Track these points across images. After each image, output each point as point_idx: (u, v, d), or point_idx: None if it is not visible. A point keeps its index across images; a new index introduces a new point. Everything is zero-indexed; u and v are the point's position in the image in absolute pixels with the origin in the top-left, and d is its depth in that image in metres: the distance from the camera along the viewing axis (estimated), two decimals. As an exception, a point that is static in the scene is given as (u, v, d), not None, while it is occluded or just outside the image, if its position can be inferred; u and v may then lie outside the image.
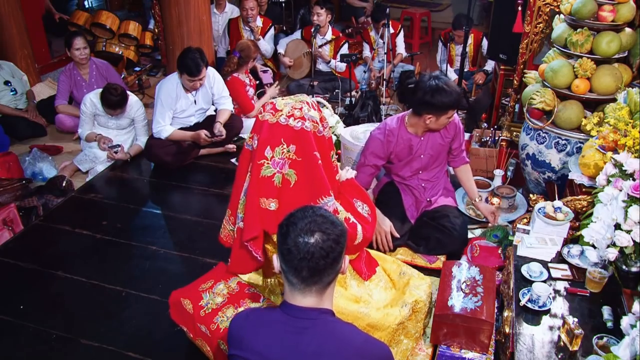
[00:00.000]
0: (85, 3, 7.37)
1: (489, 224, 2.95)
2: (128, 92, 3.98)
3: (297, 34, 5.44)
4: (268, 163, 1.98)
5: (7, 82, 4.50)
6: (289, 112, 1.98)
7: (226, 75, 4.33)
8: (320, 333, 1.39)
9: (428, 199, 2.96)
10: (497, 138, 3.72)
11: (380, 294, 2.33)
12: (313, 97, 4.25)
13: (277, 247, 1.44)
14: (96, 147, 3.91)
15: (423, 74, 2.68)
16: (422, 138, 2.78)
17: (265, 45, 5.35)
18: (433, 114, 2.62)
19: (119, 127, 3.98)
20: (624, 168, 2.05)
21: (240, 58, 4.33)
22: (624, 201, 1.96)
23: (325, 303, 1.45)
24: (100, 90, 3.85)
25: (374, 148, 2.77)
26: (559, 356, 1.81)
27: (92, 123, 3.95)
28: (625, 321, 1.75)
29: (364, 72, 5.29)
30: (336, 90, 4.97)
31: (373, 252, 2.55)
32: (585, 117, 2.71)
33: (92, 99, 3.88)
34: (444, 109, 2.59)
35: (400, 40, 5.59)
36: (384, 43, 5.11)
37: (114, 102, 3.78)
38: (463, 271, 2.35)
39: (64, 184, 3.67)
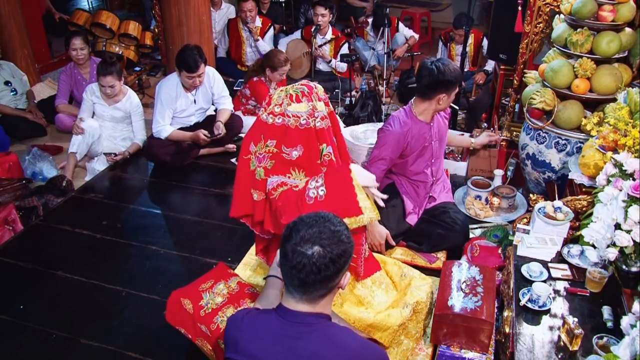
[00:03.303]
0: (86, 3, 7.38)
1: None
2: (127, 88, 3.99)
3: (297, 34, 5.44)
4: (252, 157, 2.08)
5: (7, 82, 4.50)
6: (270, 109, 2.05)
7: (250, 75, 4.34)
8: (316, 338, 1.38)
9: (431, 194, 2.98)
10: (497, 138, 3.72)
11: (382, 296, 2.33)
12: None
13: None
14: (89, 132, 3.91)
15: (423, 60, 2.72)
16: (431, 124, 2.81)
17: (265, 45, 5.35)
18: (445, 93, 2.68)
19: (113, 120, 3.97)
20: (624, 168, 2.05)
21: (262, 60, 4.29)
22: (624, 201, 1.96)
23: (319, 309, 1.43)
24: None
25: (392, 141, 2.75)
26: (559, 356, 1.81)
27: (91, 113, 3.95)
28: (625, 321, 1.75)
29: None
30: (336, 90, 4.97)
31: (374, 254, 2.56)
32: (585, 117, 2.71)
33: (92, 87, 3.93)
34: (454, 84, 2.68)
35: (401, 33, 5.67)
36: (384, 43, 5.11)
37: (105, 70, 3.78)
38: (463, 271, 2.35)
39: (64, 184, 3.67)
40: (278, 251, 1.46)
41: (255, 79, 4.29)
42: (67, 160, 3.88)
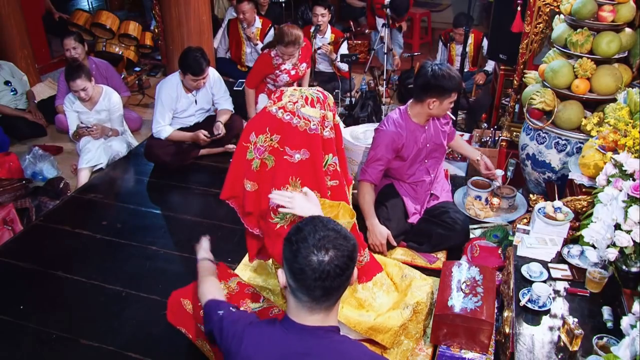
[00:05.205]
0: (86, 3, 7.39)
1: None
2: (102, 86, 3.95)
3: (296, 34, 5.43)
4: (251, 147, 2.07)
5: (7, 82, 4.50)
6: (282, 104, 2.03)
7: (265, 47, 4.24)
8: (325, 353, 1.34)
9: (432, 192, 2.98)
10: (497, 138, 3.72)
11: (383, 298, 2.33)
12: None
13: (283, 261, 1.36)
14: (90, 143, 3.88)
15: (425, 61, 2.71)
16: (426, 127, 2.80)
17: None
18: (437, 98, 2.64)
19: (101, 122, 3.95)
20: (624, 168, 2.05)
21: (277, 31, 4.12)
22: (624, 201, 1.96)
23: (331, 320, 1.39)
24: None
25: (386, 141, 2.75)
26: (559, 356, 1.81)
27: (78, 122, 3.92)
28: (625, 321, 1.75)
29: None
30: (336, 91, 4.97)
31: (375, 255, 2.55)
32: (585, 117, 2.71)
33: (69, 97, 3.87)
34: (448, 92, 2.62)
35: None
36: (383, 43, 5.11)
37: (71, 71, 3.68)
38: (463, 271, 2.35)
39: (61, 186, 3.67)
40: (280, 272, 1.37)
41: (266, 50, 4.18)
42: (79, 174, 3.81)
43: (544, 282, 2.10)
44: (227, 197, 2.21)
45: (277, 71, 4.18)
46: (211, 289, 1.87)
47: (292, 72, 4.24)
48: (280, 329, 1.37)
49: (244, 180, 2.11)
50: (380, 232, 2.74)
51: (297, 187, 2.05)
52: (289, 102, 2.02)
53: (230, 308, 1.60)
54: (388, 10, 4.84)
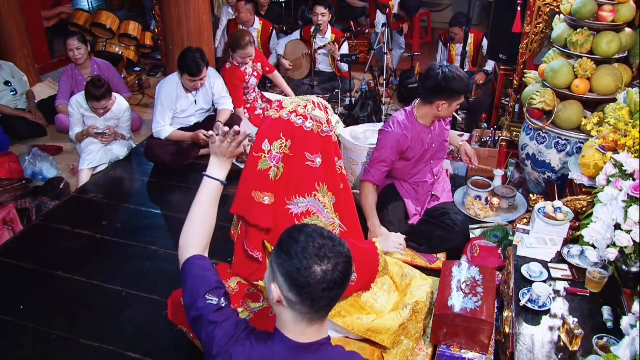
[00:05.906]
0: (86, 3, 7.38)
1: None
2: (115, 95, 3.94)
3: (296, 34, 5.43)
4: (265, 156, 1.98)
5: (7, 83, 4.50)
6: (292, 109, 1.99)
7: (223, 61, 4.22)
8: None
9: (433, 193, 2.98)
10: (497, 138, 3.72)
11: (384, 298, 2.33)
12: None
13: (278, 275, 1.29)
14: (93, 144, 3.89)
15: (434, 63, 2.71)
16: (432, 128, 2.81)
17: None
18: (446, 100, 2.65)
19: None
20: (624, 168, 2.05)
21: (230, 40, 4.13)
22: (624, 201, 1.96)
23: (324, 331, 1.36)
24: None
25: (391, 143, 2.74)
26: (559, 356, 1.81)
27: (81, 125, 3.91)
28: (625, 321, 1.75)
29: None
30: (336, 90, 4.97)
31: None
32: (585, 117, 2.71)
33: (77, 100, 3.85)
34: (457, 94, 2.64)
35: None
36: (383, 43, 5.11)
37: (98, 95, 3.69)
38: (463, 271, 2.35)
39: (61, 186, 3.66)
40: (274, 287, 1.30)
41: (228, 65, 4.12)
42: (80, 175, 3.79)
43: (544, 282, 2.10)
44: (237, 212, 2.11)
45: (247, 77, 4.18)
46: (198, 234, 1.75)
47: (255, 74, 4.26)
48: (272, 348, 1.32)
49: (254, 193, 2.00)
50: (381, 233, 2.75)
51: (326, 193, 2.01)
52: (299, 106, 1.99)
53: (221, 301, 1.46)
54: (396, 8, 4.82)
